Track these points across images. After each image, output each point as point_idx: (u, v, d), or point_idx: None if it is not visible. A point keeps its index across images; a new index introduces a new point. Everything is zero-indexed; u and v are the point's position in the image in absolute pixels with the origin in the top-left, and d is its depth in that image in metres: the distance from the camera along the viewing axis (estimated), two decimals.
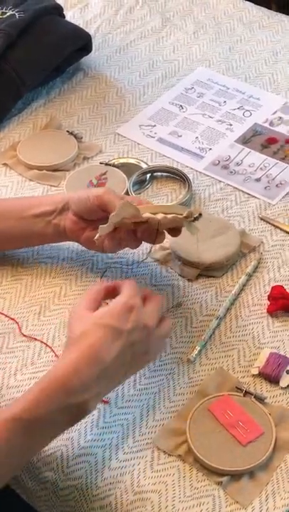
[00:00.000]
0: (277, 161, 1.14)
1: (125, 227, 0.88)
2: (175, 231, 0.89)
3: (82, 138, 1.19)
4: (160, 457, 0.79)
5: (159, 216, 0.85)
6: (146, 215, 0.85)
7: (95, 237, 0.87)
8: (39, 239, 0.97)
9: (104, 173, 1.10)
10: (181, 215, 0.85)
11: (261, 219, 1.05)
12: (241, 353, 0.89)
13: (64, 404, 0.72)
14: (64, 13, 1.35)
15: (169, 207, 0.90)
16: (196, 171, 1.13)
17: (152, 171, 1.12)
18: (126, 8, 1.48)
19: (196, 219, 0.86)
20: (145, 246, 0.94)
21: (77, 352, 0.74)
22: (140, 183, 1.11)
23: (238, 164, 1.14)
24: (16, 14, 1.24)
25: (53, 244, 1.02)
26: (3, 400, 0.85)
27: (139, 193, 1.09)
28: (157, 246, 0.98)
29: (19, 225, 0.94)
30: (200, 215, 0.86)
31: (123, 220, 0.85)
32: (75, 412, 0.74)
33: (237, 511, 0.75)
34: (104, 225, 0.85)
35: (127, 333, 0.76)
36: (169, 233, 0.90)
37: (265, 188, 1.10)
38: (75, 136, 1.18)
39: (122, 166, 1.12)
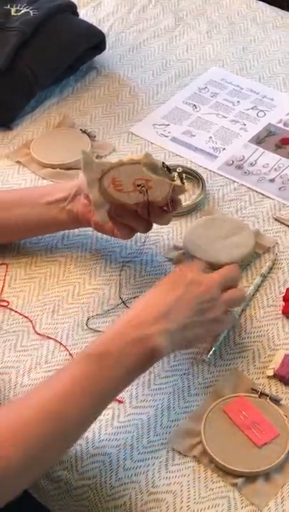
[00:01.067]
0: None
1: (125, 208, 0.89)
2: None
3: (95, 136, 1.18)
4: (175, 458, 0.79)
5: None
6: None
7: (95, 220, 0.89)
8: (54, 226, 0.97)
9: None
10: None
11: (276, 219, 1.05)
12: (256, 354, 0.88)
13: (132, 336, 0.75)
14: (77, 11, 1.35)
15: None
16: (210, 170, 1.13)
17: None
18: (139, 7, 1.47)
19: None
20: (155, 250, 0.94)
21: (137, 303, 0.80)
22: None
23: (252, 164, 1.13)
24: (31, 12, 1.24)
25: (66, 242, 1.02)
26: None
27: None
28: (171, 244, 0.99)
29: (33, 213, 0.95)
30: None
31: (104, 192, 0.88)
32: (144, 347, 0.75)
33: None
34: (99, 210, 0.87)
35: (184, 284, 0.80)
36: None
37: (280, 188, 1.09)
38: (88, 135, 1.18)
39: None
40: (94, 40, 1.30)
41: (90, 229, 1.03)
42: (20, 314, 0.93)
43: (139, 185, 0.86)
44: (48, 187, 1.04)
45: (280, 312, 0.92)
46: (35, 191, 0.99)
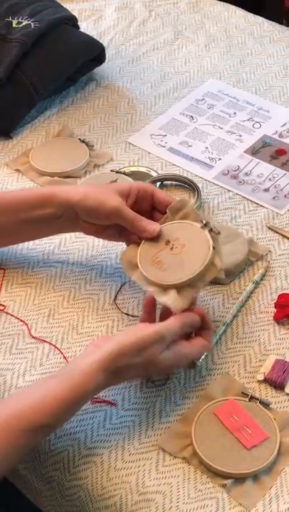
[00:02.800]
0: (286, 172, 1.15)
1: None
2: None
3: (93, 146, 1.20)
4: (165, 459, 0.80)
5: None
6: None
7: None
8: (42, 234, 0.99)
9: (115, 181, 1.12)
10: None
11: (269, 228, 1.06)
12: (247, 359, 0.90)
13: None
14: (78, 24, 1.37)
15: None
16: (206, 180, 1.15)
17: (162, 179, 1.14)
18: (139, 21, 1.50)
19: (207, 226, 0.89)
20: None
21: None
22: None
23: (247, 174, 1.15)
24: (32, 24, 1.27)
25: (63, 248, 1.03)
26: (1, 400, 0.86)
27: None
28: None
29: (17, 225, 0.95)
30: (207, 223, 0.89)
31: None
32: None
33: None
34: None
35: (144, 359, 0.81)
36: None
37: (274, 198, 1.11)
38: (87, 144, 1.20)
39: (133, 174, 1.14)
40: (93, 52, 1.33)
41: (87, 236, 1.04)
42: (16, 318, 0.95)
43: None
44: (36, 196, 0.94)
45: (272, 318, 0.94)
46: (22, 200, 0.95)
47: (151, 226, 0.89)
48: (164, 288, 0.85)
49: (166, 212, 0.91)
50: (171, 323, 0.82)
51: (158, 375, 0.86)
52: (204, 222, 0.89)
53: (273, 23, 1.51)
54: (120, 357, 0.78)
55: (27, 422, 0.74)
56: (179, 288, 0.85)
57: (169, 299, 0.84)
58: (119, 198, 0.89)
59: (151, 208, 0.93)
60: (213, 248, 0.87)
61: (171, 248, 0.88)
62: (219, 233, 0.89)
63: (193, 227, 0.89)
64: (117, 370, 0.79)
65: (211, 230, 0.88)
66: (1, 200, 0.94)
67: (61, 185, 1.13)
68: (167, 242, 0.89)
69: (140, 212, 0.91)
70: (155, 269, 0.87)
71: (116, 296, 0.97)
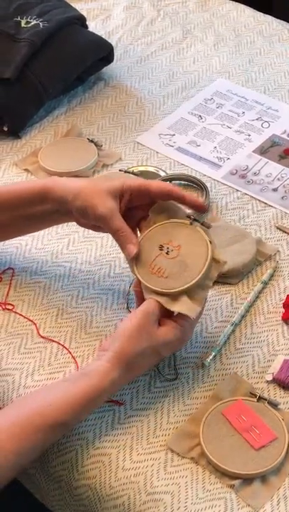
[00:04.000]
0: None
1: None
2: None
3: (102, 146, 1.20)
4: (173, 459, 0.80)
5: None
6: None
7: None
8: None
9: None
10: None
11: (277, 228, 1.06)
12: (256, 359, 0.90)
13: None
14: (87, 23, 1.37)
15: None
16: (214, 179, 1.15)
17: (171, 179, 1.14)
18: (147, 20, 1.50)
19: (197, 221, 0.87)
20: None
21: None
22: None
23: (255, 174, 1.15)
24: (40, 24, 1.27)
25: (71, 248, 1.04)
26: (18, 399, 0.87)
27: None
28: None
29: (16, 220, 0.95)
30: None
31: None
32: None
33: None
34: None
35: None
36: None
37: (282, 197, 1.11)
38: (96, 144, 1.20)
39: (141, 174, 1.14)
40: (102, 52, 1.33)
41: (96, 235, 1.05)
42: (24, 317, 0.95)
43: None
44: (34, 191, 0.93)
45: (280, 318, 0.94)
46: (20, 196, 0.94)
47: (130, 247, 0.86)
48: (174, 296, 0.84)
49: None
50: (146, 301, 0.84)
51: (170, 352, 0.86)
52: (192, 217, 0.86)
53: (282, 22, 1.50)
54: (128, 349, 0.80)
55: (50, 418, 0.77)
56: (190, 292, 0.84)
57: (183, 307, 0.82)
58: (111, 202, 0.87)
59: (150, 201, 0.90)
60: (210, 243, 0.85)
61: (167, 253, 0.86)
62: (210, 226, 0.86)
63: (182, 226, 0.87)
64: (129, 363, 0.81)
65: (202, 224, 0.86)
66: (3, 198, 0.93)
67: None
68: (161, 247, 0.86)
69: (139, 208, 0.89)
70: (157, 277, 0.84)
71: (129, 292, 0.96)
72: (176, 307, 0.83)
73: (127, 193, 0.88)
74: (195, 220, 0.86)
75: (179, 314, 0.83)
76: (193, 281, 0.83)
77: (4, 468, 0.74)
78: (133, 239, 0.86)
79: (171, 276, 0.84)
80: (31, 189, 0.92)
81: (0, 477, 0.74)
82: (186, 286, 0.83)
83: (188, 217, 0.87)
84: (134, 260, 0.86)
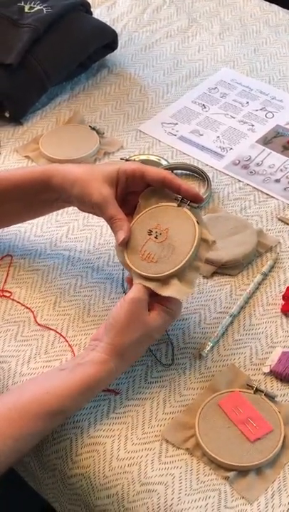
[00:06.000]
0: None
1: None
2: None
3: (104, 133, 1.19)
4: (168, 450, 0.80)
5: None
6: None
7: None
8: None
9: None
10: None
11: (279, 219, 1.05)
12: (253, 350, 0.89)
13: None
14: (91, 10, 1.36)
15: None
16: (216, 169, 1.14)
17: (172, 168, 1.13)
18: (153, 7, 1.49)
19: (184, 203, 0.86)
20: None
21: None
22: None
23: (258, 165, 1.14)
24: (44, 9, 1.26)
25: (71, 236, 1.03)
26: (16, 386, 0.86)
27: None
28: None
29: (19, 207, 0.95)
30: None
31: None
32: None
33: (242, 506, 0.75)
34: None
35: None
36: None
37: (285, 189, 1.10)
38: (97, 132, 1.19)
39: (143, 163, 1.12)
40: (106, 39, 1.32)
41: (95, 224, 1.04)
42: (22, 305, 0.94)
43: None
44: (37, 178, 0.92)
45: (279, 310, 0.93)
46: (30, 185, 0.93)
47: (119, 233, 0.85)
48: (164, 280, 0.83)
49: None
50: (133, 287, 0.83)
51: (162, 333, 0.86)
52: (179, 198, 0.85)
53: None
54: (123, 340, 0.81)
55: (48, 406, 0.77)
56: (179, 275, 0.83)
57: (174, 291, 0.81)
58: (106, 189, 0.86)
59: (146, 186, 0.88)
60: (198, 223, 0.84)
61: (156, 237, 0.85)
62: (198, 207, 0.85)
63: (170, 208, 0.86)
64: (124, 353, 0.81)
65: (189, 206, 0.85)
66: (6, 186, 0.92)
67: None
68: (149, 232, 0.85)
69: (136, 194, 0.88)
70: (146, 263, 0.84)
71: (123, 285, 0.96)
72: (167, 291, 0.82)
73: (122, 178, 0.87)
74: (182, 201, 0.85)
75: (169, 297, 0.82)
76: (181, 264, 0.82)
77: (3, 454, 0.74)
78: (124, 226, 0.85)
79: (160, 260, 0.83)
80: (33, 177, 0.92)
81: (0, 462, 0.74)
82: (174, 269, 0.82)
83: (176, 198, 0.86)
84: (125, 247, 0.86)
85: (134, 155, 1.16)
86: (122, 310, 0.82)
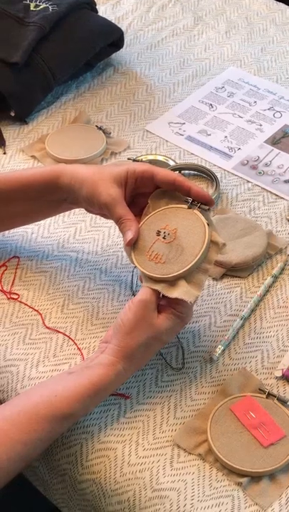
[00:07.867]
0: None
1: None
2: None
3: (110, 133, 1.18)
4: (180, 455, 0.79)
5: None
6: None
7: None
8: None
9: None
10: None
11: None
12: (265, 354, 0.88)
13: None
14: (97, 8, 1.35)
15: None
16: (224, 170, 1.12)
17: (180, 168, 1.12)
18: (158, 6, 1.47)
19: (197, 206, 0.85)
20: None
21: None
22: None
23: (266, 165, 1.13)
24: (50, 7, 1.24)
25: (78, 237, 1.02)
26: (25, 391, 0.85)
27: None
28: None
29: (26, 208, 0.94)
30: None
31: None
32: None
33: None
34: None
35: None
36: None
37: None
38: (104, 131, 1.18)
39: (150, 163, 1.11)
40: (112, 37, 1.30)
41: (103, 225, 1.03)
42: (30, 307, 0.93)
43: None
44: (43, 180, 0.91)
45: None
46: (35, 185, 0.92)
47: (127, 234, 0.84)
48: (172, 281, 0.81)
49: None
50: (142, 290, 0.82)
51: (173, 336, 0.85)
52: (189, 200, 0.84)
53: None
54: (131, 343, 0.79)
55: (57, 409, 0.76)
56: (187, 276, 0.81)
57: (181, 292, 0.80)
58: (115, 190, 0.85)
59: (155, 188, 0.88)
60: (208, 225, 0.83)
61: (164, 237, 0.84)
62: (209, 209, 0.84)
63: (180, 210, 0.85)
64: (133, 356, 0.80)
65: (200, 208, 0.84)
66: (15, 187, 0.91)
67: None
68: (158, 233, 0.84)
69: (144, 195, 0.88)
70: (154, 264, 0.82)
71: (131, 288, 0.95)
72: (174, 293, 0.80)
73: (131, 179, 0.86)
74: (192, 203, 0.84)
75: (177, 299, 0.81)
76: (190, 265, 0.81)
77: (13, 459, 0.73)
78: (132, 226, 0.84)
79: (168, 261, 0.82)
80: (42, 177, 0.90)
81: (9, 467, 0.73)
82: (182, 271, 0.81)
83: (186, 200, 0.85)
84: (133, 248, 0.84)
85: (142, 155, 1.14)
86: (129, 312, 0.81)
